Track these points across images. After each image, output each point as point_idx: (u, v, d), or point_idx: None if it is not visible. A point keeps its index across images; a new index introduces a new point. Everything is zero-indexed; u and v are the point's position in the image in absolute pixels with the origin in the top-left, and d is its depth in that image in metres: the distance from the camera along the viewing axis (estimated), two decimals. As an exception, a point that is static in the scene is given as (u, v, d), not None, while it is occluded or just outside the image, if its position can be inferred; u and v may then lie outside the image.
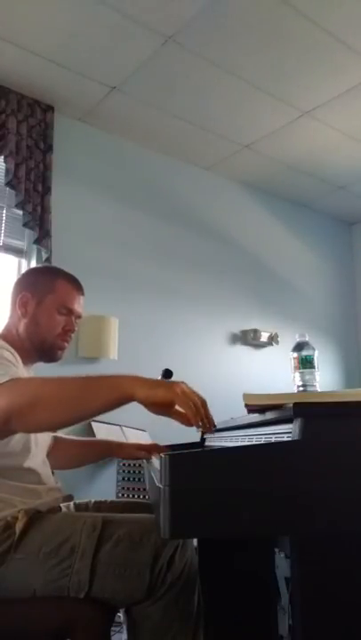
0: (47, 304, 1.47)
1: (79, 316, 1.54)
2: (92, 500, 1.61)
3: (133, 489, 2.71)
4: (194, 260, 3.73)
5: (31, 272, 1.67)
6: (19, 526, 1.22)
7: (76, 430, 2.84)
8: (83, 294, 1.56)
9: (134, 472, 2.73)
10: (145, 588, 1.18)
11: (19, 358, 1.39)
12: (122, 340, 3.16)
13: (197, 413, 1.09)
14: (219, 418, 1.67)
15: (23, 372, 1.39)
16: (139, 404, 1.09)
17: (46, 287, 1.49)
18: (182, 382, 1.10)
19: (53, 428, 1.46)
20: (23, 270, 3.11)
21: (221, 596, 1.62)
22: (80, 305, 1.54)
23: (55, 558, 1.20)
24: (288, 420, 0.97)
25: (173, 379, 2.29)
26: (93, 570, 1.18)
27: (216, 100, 3.19)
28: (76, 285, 1.55)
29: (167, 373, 2.29)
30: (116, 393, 1.09)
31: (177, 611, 1.19)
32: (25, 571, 1.20)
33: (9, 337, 1.46)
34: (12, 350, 1.37)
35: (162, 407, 1.11)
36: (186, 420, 1.12)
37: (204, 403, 1.10)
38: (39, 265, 1.68)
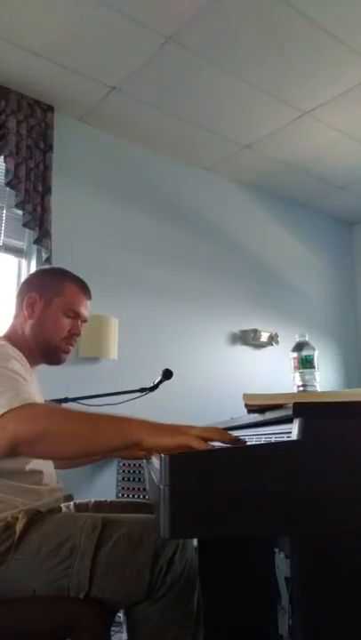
0: (54, 306, 1.48)
1: (85, 320, 1.55)
2: (92, 500, 1.61)
3: (133, 489, 2.71)
4: (194, 260, 3.73)
5: (40, 273, 1.65)
6: (19, 526, 1.22)
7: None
8: (90, 298, 1.56)
9: (134, 472, 2.73)
10: (145, 588, 1.18)
11: (25, 361, 1.39)
12: (122, 340, 3.16)
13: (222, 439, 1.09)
14: (219, 418, 1.67)
15: (30, 375, 1.39)
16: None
17: (54, 289, 1.49)
18: (186, 426, 1.09)
19: (58, 459, 1.46)
20: (23, 270, 3.13)
21: (221, 596, 1.62)
22: (87, 309, 1.55)
23: (55, 558, 1.20)
24: (288, 420, 0.97)
25: (174, 378, 2.30)
26: (93, 570, 1.18)
27: (216, 100, 3.19)
28: (85, 289, 1.55)
29: (167, 373, 2.29)
30: (123, 439, 1.11)
31: (177, 611, 1.19)
32: (25, 571, 1.20)
33: (14, 337, 1.46)
34: (19, 354, 1.37)
35: (167, 451, 1.08)
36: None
37: (217, 431, 1.09)
38: (47, 266, 1.68)
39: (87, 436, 1.13)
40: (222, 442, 1.09)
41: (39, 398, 1.41)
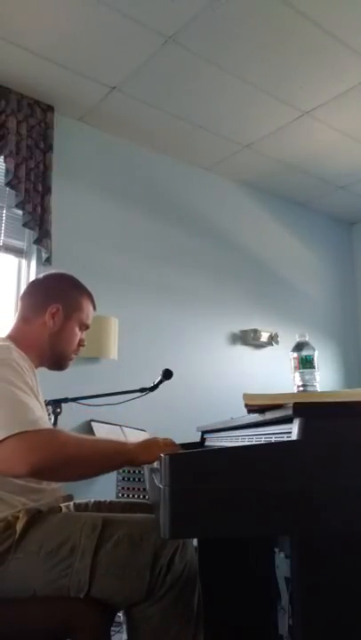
0: (73, 321, 1.53)
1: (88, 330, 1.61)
2: (92, 500, 1.61)
3: (133, 489, 2.71)
4: (194, 260, 3.73)
5: (56, 281, 1.63)
6: (19, 526, 1.22)
7: (76, 431, 2.84)
8: (96, 310, 1.63)
9: (134, 472, 2.73)
10: (145, 588, 1.18)
11: (30, 363, 1.40)
12: (122, 340, 3.16)
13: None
14: (219, 418, 1.67)
15: (34, 376, 1.41)
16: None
17: (76, 303, 1.54)
18: (154, 439, 1.34)
19: (73, 481, 1.53)
20: (23, 270, 3.12)
21: (221, 596, 1.62)
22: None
23: (55, 558, 1.20)
24: (288, 420, 0.97)
25: (174, 378, 2.30)
26: (93, 570, 1.18)
27: (216, 100, 3.19)
28: (94, 303, 1.62)
29: (167, 373, 2.29)
30: (123, 459, 1.31)
31: (177, 612, 1.19)
32: (25, 571, 1.20)
33: (23, 342, 1.44)
34: (23, 355, 1.37)
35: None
36: None
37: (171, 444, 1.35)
38: (61, 272, 1.69)
39: (98, 460, 1.28)
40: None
41: (40, 398, 1.42)
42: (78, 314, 1.53)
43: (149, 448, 1.29)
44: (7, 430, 1.16)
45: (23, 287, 2.38)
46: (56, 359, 1.53)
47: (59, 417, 2.29)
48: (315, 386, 1.52)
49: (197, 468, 0.89)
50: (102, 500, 1.62)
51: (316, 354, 1.54)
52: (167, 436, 1.39)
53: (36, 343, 1.47)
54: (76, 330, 1.54)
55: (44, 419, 1.25)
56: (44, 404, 1.52)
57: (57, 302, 1.50)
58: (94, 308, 1.61)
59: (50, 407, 2.32)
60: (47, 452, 1.18)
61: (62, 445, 1.22)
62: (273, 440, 1.04)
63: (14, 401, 1.21)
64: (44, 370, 1.57)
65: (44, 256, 2.97)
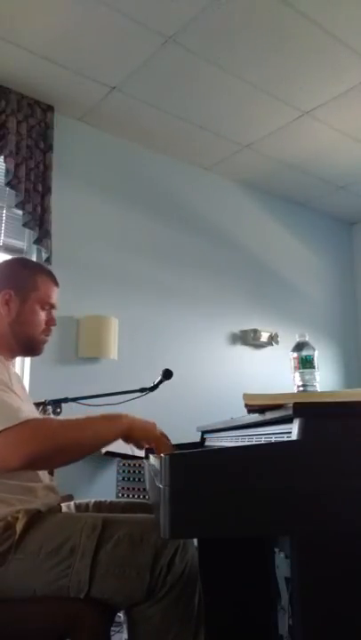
0: (31, 302, 1.46)
1: (56, 308, 1.54)
2: (93, 500, 1.61)
3: (133, 489, 2.71)
4: (194, 260, 3.73)
5: (7, 267, 1.57)
6: (19, 526, 1.22)
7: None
8: (58, 287, 1.55)
9: (134, 472, 2.73)
10: (145, 588, 1.18)
11: (1, 356, 1.38)
12: (122, 340, 3.16)
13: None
14: (219, 418, 1.67)
15: (8, 370, 1.39)
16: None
17: (29, 284, 1.47)
18: (152, 423, 1.37)
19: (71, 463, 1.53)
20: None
21: (221, 596, 1.62)
22: (57, 298, 1.54)
23: (55, 558, 1.19)
24: (288, 420, 0.97)
25: (174, 378, 2.30)
26: (93, 570, 1.18)
27: (216, 100, 3.19)
28: (54, 279, 1.55)
29: (167, 373, 2.29)
30: (118, 431, 1.30)
31: (177, 612, 1.19)
32: (25, 571, 1.20)
33: None
34: None
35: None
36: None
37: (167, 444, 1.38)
38: (9, 257, 1.64)
39: (91, 439, 1.28)
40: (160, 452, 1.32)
41: (21, 392, 1.40)
42: (35, 293, 1.46)
43: (145, 429, 1.32)
44: None
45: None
46: (25, 345, 1.47)
47: (59, 417, 2.29)
48: (315, 386, 1.51)
49: (197, 468, 0.89)
50: (103, 500, 1.62)
51: (316, 354, 1.54)
52: (167, 436, 1.39)
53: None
54: (37, 310, 1.47)
55: (23, 410, 1.23)
56: (26, 394, 1.50)
57: (8, 288, 1.45)
58: (56, 284, 1.53)
59: (50, 407, 2.32)
60: (36, 443, 1.18)
61: (51, 433, 1.22)
62: (273, 440, 1.04)
63: None
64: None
65: (44, 256, 2.97)
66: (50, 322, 1.50)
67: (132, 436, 1.31)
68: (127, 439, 1.33)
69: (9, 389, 1.29)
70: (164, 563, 1.19)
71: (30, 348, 1.50)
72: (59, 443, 1.21)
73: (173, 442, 1.71)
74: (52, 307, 1.51)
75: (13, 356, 1.51)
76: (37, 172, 3.02)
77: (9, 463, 1.19)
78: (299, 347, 1.54)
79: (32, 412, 1.38)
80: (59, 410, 2.30)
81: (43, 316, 1.48)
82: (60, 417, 2.32)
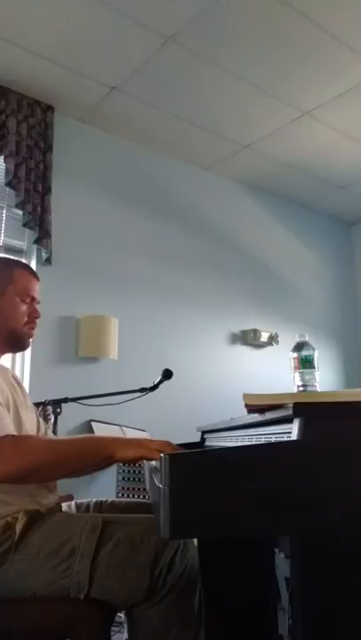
0: (10, 295, 1.46)
1: (38, 302, 1.54)
2: (93, 501, 1.61)
3: (133, 489, 2.71)
4: (194, 260, 3.73)
5: None
6: (18, 527, 1.21)
7: (76, 430, 2.85)
8: (39, 280, 1.55)
9: (134, 472, 2.73)
10: (145, 589, 1.17)
11: None
12: (122, 340, 3.16)
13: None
14: (219, 418, 1.67)
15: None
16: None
17: (5, 278, 1.47)
18: (147, 440, 1.28)
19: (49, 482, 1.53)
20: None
21: (221, 597, 1.61)
22: (38, 291, 1.53)
23: (55, 559, 1.19)
24: (288, 420, 0.97)
25: (174, 378, 2.30)
26: (93, 571, 1.18)
27: (216, 100, 3.19)
28: (32, 272, 1.55)
29: (167, 374, 2.29)
30: (99, 456, 1.25)
31: (178, 613, 1.18)
32: (25, 571, 1.20)
33: None
34: None
35: (133, 462, 1.32)
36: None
37: (168, 444, 1.26)
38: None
39: (70, 460, 1.26)
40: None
41: (15, 395, 1.41)
42: (13, 286, 1.46)
43: (127, 444, 1.25)
44: None
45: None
46: (10, 340, 1.47)
47: (59, 417, 2.29)
48: (315, 386, 1.51)
49: (197, 468, 0.89)
50: (103, 500, 1.62)
51: (316, 354, 1.54)
52: (167, 436, 1.38)
53: None
54: (17, 302, 1.46)
55: (3, 425, 1.22)
56: (24, 396, 1.49)
57: None
58: (35, 277, 1.53)
59: (50, 407, 2.32)
60: (8, 463, 1.17)
61: (26, 453, 1.20)
62: (273, 440, 1.04)
63: None
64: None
65: (44, 256, 2.97)
66: (32, 314, 1.49)
67: (115, 457, 1.24)
68: (110, 460, 1.26)
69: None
70: (164, 563, 1.18)
71: (15, 341, 1.48)
72: (33, 463, 1.20)
73: (173, 442, 1.71)
74: (34, 299, 1.50)
75: (2, 353, 1.50)
76: (37, 172, 3.02)
77: None
78: (299, 347, 1.54)
79: (27, 422, 1.38)
80: (59, 410, 2.30)
81: (24, 308, 1.47)
82: (60, 417, 2.32)
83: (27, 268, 1.56)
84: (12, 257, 1.58)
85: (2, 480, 1.20)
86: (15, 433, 1.24)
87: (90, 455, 1.26)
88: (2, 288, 1.45)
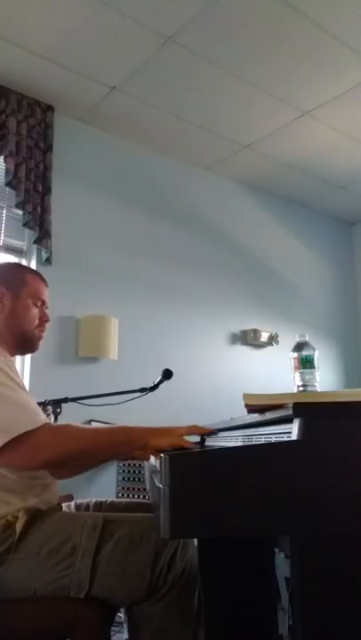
0: (24, 297, 1.50)
1: (47, 307, 1.59)
2: (93, 501, 1.61)
3: (133, 489, 2.71)
4: (194, 260, 3.73)
5: None
6: (19, 526, 1.21)
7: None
8: (48, 286, 1.60)
9: (134, 472, 2.73)
10: (145, 587, 1.18)
11: (7, 357, 1.39)
12: (122, 340, 3.16)
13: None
14: (219, 418, 1.67)
15: (14, 368, 1.39)
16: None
17: (19, 280, 1.52)
18: (175, 428, 1.32)
19: (84, 471, 1.61)
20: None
21: (221, 597, 1.62)
22: (47, 296, 1.59)
23: (56, 558, 1.20)
24: (288, 420, 0.97)
25: (174, 378, 2.30)
26: (94, 569, 1.18)
27: (216, 100, 3.19)
28: (43, 278, 1.60)
29: (167, 373, 2.29)
30: (132, 444, 1.31)
31: (178, 611, 1.19)
32: (25, 570, 1.20)
33: None
34: (2, 352, 1.37)
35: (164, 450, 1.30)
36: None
37: (197, 429, 1.32)
38: (9, 258, 1.72)
39: (106, 448, 1.31)
40: (202, 435, 1.34)
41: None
42: (26, 289, 1.51)
43: (160, 433, 1.29)
44: (8, 434, 1.17)
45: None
46: (21, 341, 1.51)
47: (59, 417, 2.29)
48: (315, 386, 1.51)
49: (197, 468, 0.89)
50: (103, 500, 1.62)
51: (316, 354, 1.54)
52: (197, 426, 1.38)
53: None
54: (30, 305, 1.51)
55: (40, 414, 1.27)
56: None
57: (0, 286, 1.50)
58: (45, 283, 1.58)
59: (50, 407, 2.32)
60: (53, 451, 1.22)
61: (67, 441, 1.25)
62: (273, 440, 1.04)
63: (10, 403, 1.23)
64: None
65: (44, 256, 2.97)
66: (43, 317, 1.54)
67: (150, 446, 1.28)
68: (145, 449, 1.30)
69: (25, 391, 1.31)
70: (164, 561, 1.19)
71: (26, 343, 1.53)
72: (74, 451, 1.25)
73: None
74: (44, 303, 1.56)
75: (12, 355, 1.52)
76: (37, 172, 3.02)
77: (27, 464, 1.24)
78: (299, 347, 1.54)
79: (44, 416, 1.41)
80: (59, 410, 2.30)
81: (36, 311, 1.52)
82: (60, 417, 2.32)
83: (38, 274, 1.60)
84: (19, 263, 1.63)
85: (43, 466, 1.27)
86: (47, 420, 1.28)
87: (124, 444, 1.31)
88: (17, 290, 1.50)
